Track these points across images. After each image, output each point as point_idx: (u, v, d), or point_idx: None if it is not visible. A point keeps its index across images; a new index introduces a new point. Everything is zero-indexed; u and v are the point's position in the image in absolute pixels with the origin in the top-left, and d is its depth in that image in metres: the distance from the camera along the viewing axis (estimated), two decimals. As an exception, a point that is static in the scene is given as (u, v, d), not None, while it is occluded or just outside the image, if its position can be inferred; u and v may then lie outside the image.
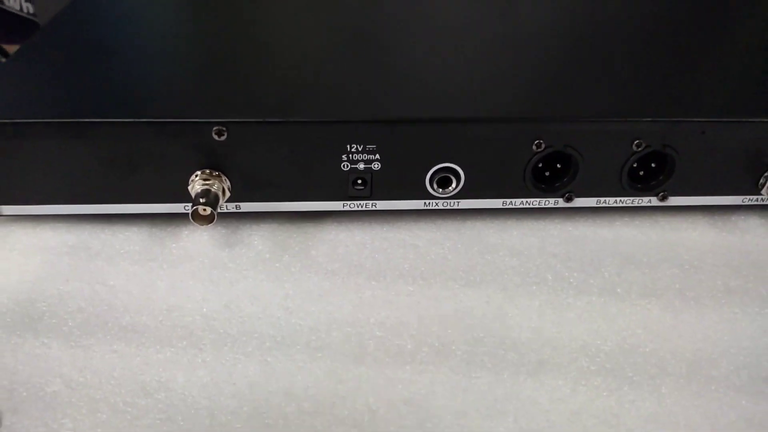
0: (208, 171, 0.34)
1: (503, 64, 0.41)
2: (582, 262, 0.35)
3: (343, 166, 0.34)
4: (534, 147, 0.34)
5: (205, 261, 0.34)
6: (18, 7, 0.75)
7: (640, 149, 0.35)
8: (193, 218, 0.33)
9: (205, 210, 0.33)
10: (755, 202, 0.38)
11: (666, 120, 0.34)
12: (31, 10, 0.64)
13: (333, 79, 0.37)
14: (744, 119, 0.35)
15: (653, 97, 0.37)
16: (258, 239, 0.36)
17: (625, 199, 0.37)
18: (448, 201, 0.36)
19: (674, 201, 0.37)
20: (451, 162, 0.35)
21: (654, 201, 0.37)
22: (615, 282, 0.34)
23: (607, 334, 0.31)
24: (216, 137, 0.32)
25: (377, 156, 0.34)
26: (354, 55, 0.41)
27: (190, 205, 0.34)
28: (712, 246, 0.37)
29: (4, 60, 0.59)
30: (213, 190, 0.33)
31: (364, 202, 0.36)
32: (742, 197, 0.38)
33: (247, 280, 0.33)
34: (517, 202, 0.37)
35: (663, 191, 0.37)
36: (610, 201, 0.37)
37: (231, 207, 0.36)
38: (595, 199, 0.37)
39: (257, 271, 0.34)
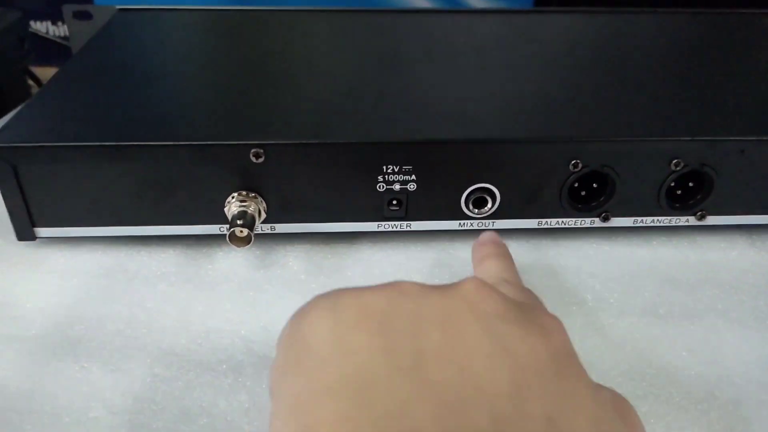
0: (244, 192, 0.34)
1: (537, 85, 0.41)
2: (621, 282, 0.35)
3: (379, 186, 0.34)
4: (571, 167, 0.34)
5: (241, 282, 0.34)
6: (45, 31, 0.76)
7: (678, 168, 0.34)
8: (230, 240, 0.33)
9: (242, 231, 0.33)
10: (795, 221, 0.37)
11: (705, 139, 0.34)
12: (60, 33, 0.65)
13: (368, 102, 0.37)
14: (784, 137, 0.34)
15: (691, 116, 0.37)
16: (293, 260, 0.36)
17: (663, 218, 0.37)
18: (483, 221, 0.36)
19: (712, 220, 0.37)
20: (486, 182, 0.35)
21: (692, 220, 0.37)
22: (656, 303, 0.33)
23: (651, 357, 0.30)
24: (254, 159, 0.33)
25: (413, 177, 0.34)
26: (388, 78, 0.41)
27: (225, 226, 0.34)
28: (752, 266, 0.36)
29: (39, 86, 0.60)
30: (250, 211, 0.33)
31: (399, 222, 0.36)
32: (781, 216, 0.37)
33: (283, 300, 0.33)
34: (553, 222, 0.36)
35: (701, 210, 0.36)
36: (648, 220, 0.37)
37: (266, 228, 0.35)
38: (632, 218, 0.37)
39: (294, 292, 0.34)
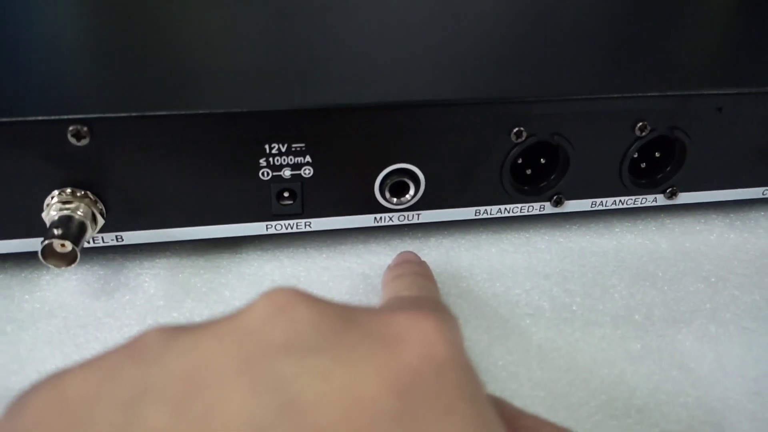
0: (69, 191, 0.24)
1: (470, 38, 0.33)
2: (584, 282, 0.27)
3: (263, 174, 0.25)
4: (513, 137, 0.26)
5: (69, 317, 0.24)
6: None
7: (643, 134, 0.27)
8: (44, 257, 0.23)
9: (63, 245, 0.23)
10: (777, 195, 0.31)
11: (675, 95, 0.27)
12: None
13: (244, 60, 0.28)
14: (768, 90, 0.28)
15: (657, 70, 0.29)
16: (150, 280, 0.26)
17: (626, 198, 0.30)
18: (406, 214, 0.28)
19: (684, 198, 0.30)
20: (406, 162, 0.26)
21: (660, 199, 0.30)
22: (630, 306, 0.26)
23: (634, 381, 0.23)
24: (74, 141, 0.23)
25: (308, 158, 0.25)
26: (271, 33, 0.32)
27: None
28: (736, 251, 0.29)
29: None
30: (77, 216, 0.24)
31: (295, 221, 0.27)
32: (763, 189, 0.31)
33: (131, 340, 0.23)
34: (494, 211, 0.29)
35: (671, 186, 0.30)
36: (608, 202, 0.30)
37: (110, 239, 0.26)
38: (589, 200, 0.29)
39: (145, 326, 0.24)
